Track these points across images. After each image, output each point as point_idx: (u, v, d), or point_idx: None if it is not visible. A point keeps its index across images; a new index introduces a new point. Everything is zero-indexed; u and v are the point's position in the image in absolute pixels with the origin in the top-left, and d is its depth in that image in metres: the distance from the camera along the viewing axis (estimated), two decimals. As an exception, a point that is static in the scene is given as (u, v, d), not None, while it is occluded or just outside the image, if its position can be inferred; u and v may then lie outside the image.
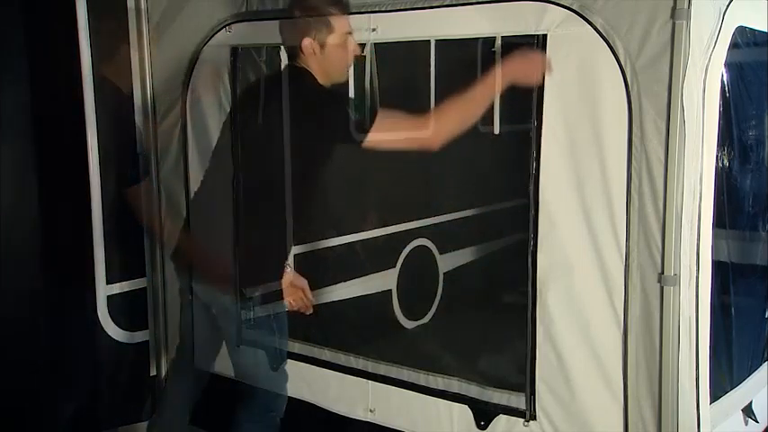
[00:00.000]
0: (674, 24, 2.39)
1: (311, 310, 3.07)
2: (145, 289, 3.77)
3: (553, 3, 2.59)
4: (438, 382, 3.06)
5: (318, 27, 2.79)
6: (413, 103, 4.38)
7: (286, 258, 3.08)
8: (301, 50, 2.79)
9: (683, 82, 2.40)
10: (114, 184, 3.65)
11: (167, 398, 3.41)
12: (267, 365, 2.99)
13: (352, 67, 3.42)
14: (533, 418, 2.80)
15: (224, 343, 3.30)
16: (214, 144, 3.50)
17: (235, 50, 3.41)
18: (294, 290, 3.03)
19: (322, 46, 2.80)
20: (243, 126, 3.11)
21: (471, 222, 4.77)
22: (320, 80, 2.84)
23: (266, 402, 2.94)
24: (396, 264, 4.39)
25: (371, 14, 2.97)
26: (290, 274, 3.04)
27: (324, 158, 2.90)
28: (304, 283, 3.08)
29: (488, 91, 2.77)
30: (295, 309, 3.05)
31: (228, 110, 3.39)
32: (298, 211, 2.94)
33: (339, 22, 2.81)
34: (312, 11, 2.79)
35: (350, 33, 2.85)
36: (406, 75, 4.01)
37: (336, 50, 2.83)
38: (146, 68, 3.65)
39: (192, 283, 3.16)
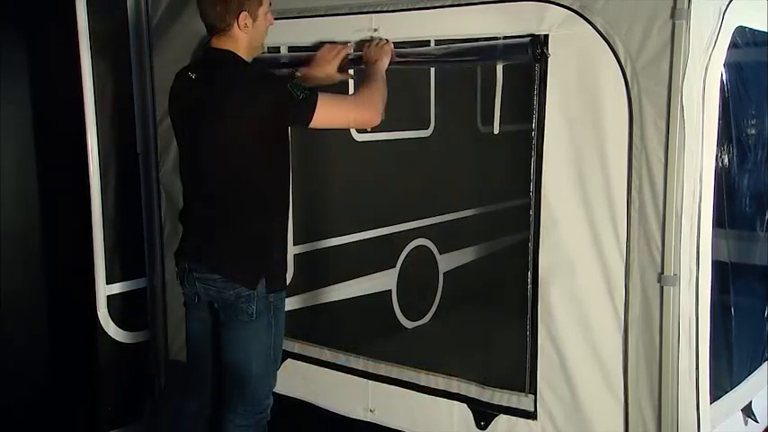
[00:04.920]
0: (673, 24, 2.40)
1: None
2: (145, 289, 3.77)
3: (554, 3, 2.59)
4: (438, 381, 3.06)
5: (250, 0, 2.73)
6: (412, 103, 4.41)
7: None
8: (238, 25, 2.72)
9: (682, 82, 2.41)
10: (114, 184, 3.65)
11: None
12: (260, 366, 2.92)
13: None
14: (534, 417, 2.81)
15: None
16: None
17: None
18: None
19: (254, 19, 2.75)
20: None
21: (471, 222, 4.77)
22: (244, 56, 2.79)
23: (255, 405, 2.92)
24: (396, 264, 4.39)
25: (373, 15, 2.98)
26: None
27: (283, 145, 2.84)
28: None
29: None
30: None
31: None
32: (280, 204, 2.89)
33: None
34: None
35: (270, 3, 2.82)
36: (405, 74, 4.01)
37: (263, 22, 2.79)
38: (146, 69, 3.65)
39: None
